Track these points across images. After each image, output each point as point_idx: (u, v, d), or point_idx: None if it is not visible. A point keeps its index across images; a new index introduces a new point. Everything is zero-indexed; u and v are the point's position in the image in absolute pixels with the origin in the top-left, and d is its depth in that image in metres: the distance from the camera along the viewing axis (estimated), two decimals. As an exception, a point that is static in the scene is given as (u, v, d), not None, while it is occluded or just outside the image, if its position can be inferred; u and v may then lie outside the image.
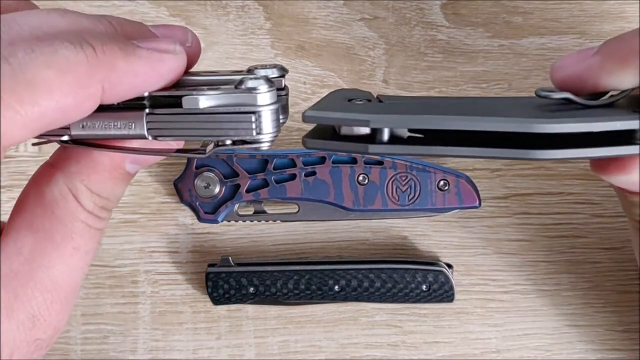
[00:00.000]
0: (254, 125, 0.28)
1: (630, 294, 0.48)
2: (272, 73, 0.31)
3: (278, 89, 0.30)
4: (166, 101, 0.29)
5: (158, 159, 0.33)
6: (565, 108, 0.31)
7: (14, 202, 0.31)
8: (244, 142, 0.29)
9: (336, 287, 0.47)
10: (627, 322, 0.48)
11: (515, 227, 0.49)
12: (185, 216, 0.49)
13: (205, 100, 0.29)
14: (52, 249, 0.30)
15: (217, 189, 0.47)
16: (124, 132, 0.29)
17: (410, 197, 0.46)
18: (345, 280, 0.47)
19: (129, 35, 0.29)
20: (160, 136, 0.29)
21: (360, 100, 0.32)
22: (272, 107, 0.29)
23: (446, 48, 0.49)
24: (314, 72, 0.49)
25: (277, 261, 0.49)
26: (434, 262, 0.48)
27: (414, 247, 0.49)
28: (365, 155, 0.46)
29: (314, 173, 0.47)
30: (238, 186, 0.47)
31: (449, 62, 0.49)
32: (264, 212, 0.48)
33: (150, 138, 0.29)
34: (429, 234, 0.49)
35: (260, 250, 0.50)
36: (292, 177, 0.47)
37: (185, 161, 0.47)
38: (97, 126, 0.29)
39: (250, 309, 0.49)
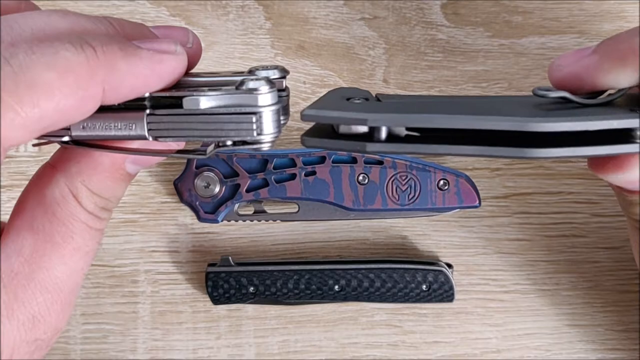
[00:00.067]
0: (254, 126, 0.28)
1: (630, 293, 0.48)
2: (273, 74, 0.31)
3: (279, 90, 0.30)
4: (167, 102, 0.29)
5: (158, 159, 0.33)
6: (562, 107, 0.31)
7: (14, 202, 0.31)
8: (245, 142, 0.29)
9: (336, 287, 0.47)
10: (627, 322, 0.48)
11: (515, 226, 0.49)
12: (185, 216, 0.49)
13: (206, 101, 0.29)
14: (53, 250, 0.30)
15: (217, 189, 0.47)
16: (125, 132, 0.29)
17: (410, 197, 0.46)
18: (345, 280, 0.47)
19: (130, 36, 0.29)
20: (161, 137, 0.29)
21: (359, 99, 0.32)
22: (272, 107, 0.29)
23: (446, 47, 0.49)
24: (314, 71, 0.49)
25: (277, 261, 0.49)
26: (434, 261, 0.48)
27: (414, 247, 0.49)
28: (365, 155, 0.46)
29: (314, 173, 0.47)
30: (238, 186, 0.47)
31: (449, 62, 0.49)
32: (264, 211, 0.48)
33: (150, 139, 0.29)
34: (429, 233, 0.49)
35: (260, 250, 0.50)
36: (292, 176, 0.47)
37: (185, 161, 0.47)
38: (97, 127, 0.29)
39: (250, 308, 0.49)
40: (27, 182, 0.31)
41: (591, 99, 0.31)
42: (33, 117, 0.25)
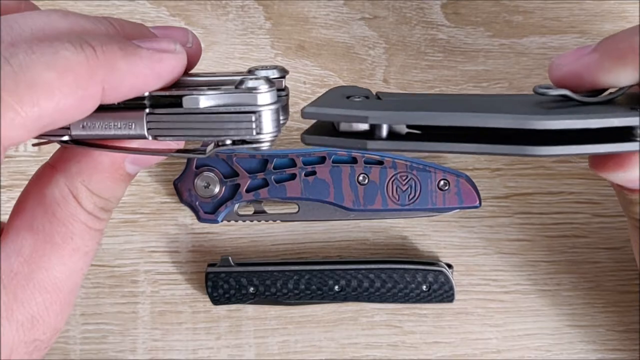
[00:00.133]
0: (254, 125, 0.28)
1: (631, 294, 0.48)
2: (273, 74, 0.31)
3: (278, 90, 0.30)
4: (166, 101, 0.29)
5: (158, 160, 0.33)
6: (563, 105, 0.31)
7: (14, 202, 0.31)
8: (244, 142, 0.29)
9: (336, 287, 0.47)
10: (628, 322, 0.48)
11: (516, 226, 0.49)
12: (185, 216, 0.49)
13: (206, 100, 0.29)
14: (52, 250, 0.30)
15: (217, 189, 0.47)
16: (124, 132, 0.29)
17: (410, 197, 0.46)
18: (345, 280, 0.47)
19: (130, 36, 0.29)
20: (161, 136, 0.29)
21: (359, 97, 0.32)
22: (272, 107, 0.29)
23: (446, 47, 0.49)
24: (314, 71, 0.49)
25: (277, 261, 0.49)
26: (434, 262, 0.48)
27: (414, 247, 0.49)
28: (365, 155, 0.46)
29: (314, 173, 0.46)
30: (238, 186, 0.47)
31: (449, 62, 0.49)
32: (264, 212, 0.48)
33: (150, 138, 0.29)
34: (429, 234, 0.49)
35: (260, 250, 0.49)
36: (292, 176, 0.47)
37: (185, 161, 0.47)
38: (97, 126, 0.29)
39: (250, 309, 0.49)
40: (26, 182, 0.31)
41: (592, 97, 0.31)
42: (33, 116, 0.25)
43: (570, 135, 0.29)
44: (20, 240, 0.29)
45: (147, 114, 0.29)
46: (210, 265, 0.48)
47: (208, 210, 0.47)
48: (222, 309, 0.49)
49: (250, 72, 0.31)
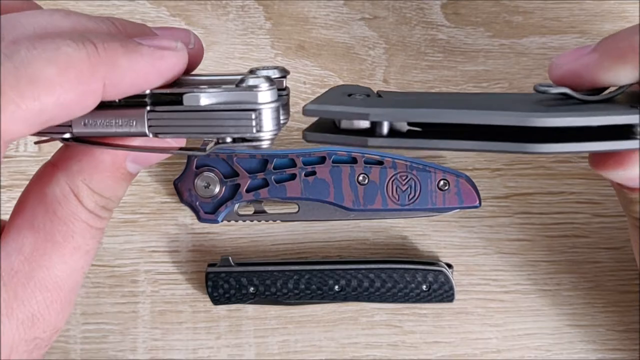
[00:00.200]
0: (254, 123, 0.28)
1: (631, 294, 0.48)
2: (274, 74, 0.31)
3: (279, 89, 0.30)
4: (167, 99, 0.29)
5: (159, 158, 0.33)
6: (563, 103, 0.31)
7: (14, 202, 0.31)
8: (244, 139, 0.29)
9: (336, 287, 0.47)
10: (628, 322, 0.48)
11: (516, 226, 0.49)
12: (185, 216, 0.49)
13: (206, 98, 0.29)
14: (53, 249, 0.30)
15: (217, 189, 0.47)
16: (125, 129, 0.29)
17: (410, 197, 0.46)
18: (345, 280, 0.47)
19: (132, 35, 0.29)
20: (161, 133, 0.29)
21: (360, 96, 0.32)
22: (272, 105, 0.29)
23: (446, 47, 0.49)
24: (314, 71, 0.49)
25: (277, 261, 0.49)
26: (434, 262, 0.48)
27: (414, 247, 0.49)
28: (365, 155, 0.46)
29: (314, 173, 0.46)
30: (238, 186, 0.47)
31: (449, 62, 0.49)
32: (264, 212, 0.48)
33: (151, 135, 0.29)
34: (429, 234, 0.49)
35: (260, 250, 0.49)
36: (292, 176, 0.47)
37: (185, 161, 0.47)
38: (98, 124, 0.29)
39: (250, 308, 0.49)
40: (27, 182, 0.31)
41: (592, 95, 0.31)
42: (34, 111, 0.25)
43: (570, 134, 0.29)
44: (21, 239, 0.29)
45: (148, 111, 0.29)
46: (210, 265, 0.48)
47: (208, 210, 0.47)
48: (222, 308, 0.49)
49: (252, 72, 0.31)
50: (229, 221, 0.48)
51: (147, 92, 0.29)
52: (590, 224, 0.48)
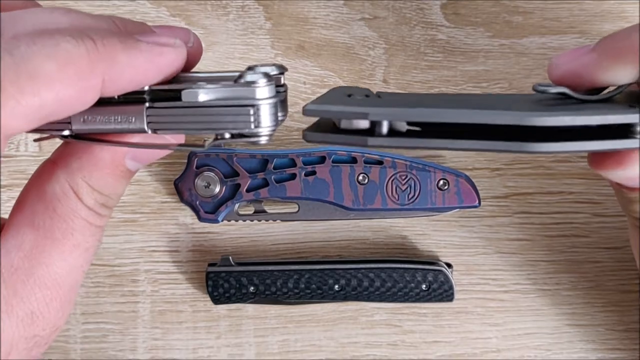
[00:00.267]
0: (252, 118, 0.29)
1: (631, 293, 0.48)
2: (272, 70, 0.31)
3: (277, 86, 0.30)
4: (166, 95, 0.29)
5: (158, 156, 0.33)
6: (562, 103, 0.31)
7: (14, 202, 0.31)
8: (243, 135, 0.29)
9: (336, 287, 0.47)
10: (627, 322, 0.48)
11: (516, 226, 0.49)
12: (186, 216, 0.49)
13: (205, 94, 0.29)
14: (53, 246, 0.30)
15: (217, 189, 0.47)
16: (124, 126, 0.29)
17: (410, 197, 0.46)
18: (345, 280, 0.47)
19: (131, 33, 0.29)
20: (160, 130, 0.30)
21: (360, 96, 0.33)
22: (270, 100, 0.29)
23: (446, 48, 0.49)
24: (314, 72, 0.49)
25: (277, 261, 0.49)
26: (433, 261, 0.48)
27: (413, 247, 0.49)
28: (365, 155, 0.46)
29: (314, 172, 0.47)
30: (238, 186, 0.47)
31: (449, 62, 0.49)
32: (264, 211, 0.48)
33: (150, 132, 0.30)
34: (429, 233, 0.49)
35: (260, 250, 0.50)
36: (292, 176, 0.47)
37: (186, 160, 0.47)
38: (97, 120, 0.29)
39: (250, 308, 0.49)
40: (27, 181, 0.31)
41: (591, 95, 0.31)
42: (33, 106, 0.25)
43: (569, 133, 0.29)
44: (21, 236, 0.29)
45: (147, 107, 0.29)
46: (210, 264, 0.48)
47: (208, 210, 0.47)
48: (223, 308, 0.49)
49: (250, 69, 0.31)
50: (229, 221, 0.48)
51: (146, 88, 0.29)
52: (590, 223, 0.48)
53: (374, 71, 0.49)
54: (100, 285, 0.49)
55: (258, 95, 0.29)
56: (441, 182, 0.46)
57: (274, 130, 0.29)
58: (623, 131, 0.29)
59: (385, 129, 0.30)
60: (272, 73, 0.31)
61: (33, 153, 0.49)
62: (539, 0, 0.49)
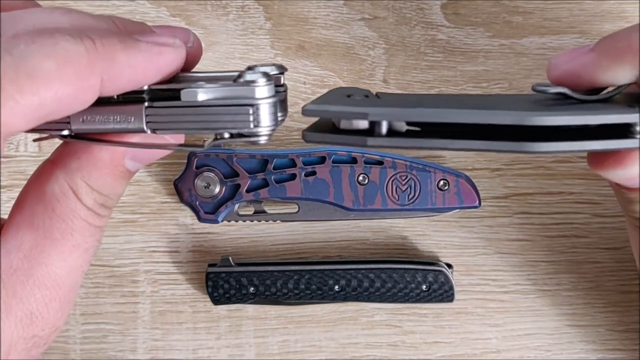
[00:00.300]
0: (251, 118, 0.29)
1: (631, 294, 0.48)
2: (271, 70, 0.31)
3: (277, 86, 0.30)
4: (165, 94, 0.29)
5: (158, 156, 0.33)
6: (561, 103, 0.31)
7: (13, 202, 0.31)
8: (242, 135, 0.29)
9: (336, 287, 0.47)
10: (628, 322, 0.48)
11: (516, 227, 0.49)
12: (185, 216, 0.49)
13: (204, 93, 0.29)
14: (52, 246, 0.30)
15: (217, 189, 0.47)
16: (123, 125, 0.29)
17: (410, 197, 0.46)
18: (345, 280, 0.47)
19: (131, 33, 0.29)
20: (159, 129, 0.30)
21: (359, 97, 0.33)
22: (269, 100, 0.29)
23: (446, 48, 0.49)
24: (314, 72, 0.49)
25: (277, 261, 0.49)
26: (434, 262, 0.48)
27: (414, 247, 0.49)
28: (365, 155, 0.46)
29: (314, 173, 0.46)
30: (238, 186, 0.47)
31: (449, 62, 0.49)
32: (264, 212, 0.48)
33: (149, 131, 0.30)
34: (429, 234, 0.49)
35: (260, 250, 0.49)
36: (292, 177, 0.47)
37: (185, 161, 0.47)
38: (96, 120, 0.29)
39: (250, 308, 0.49)
40: (26, 182, 0.31)
41: (590, 95, 0.31)
42: (32, 105, 0.25)
43: (569, 133, 0.29)
44: (20, 237, 0.29)
45: (146, 107, 0.29)
46: (210, 265, 0.48)
47: (208, 210, 0.47)
48: (223, 308, 0.49)
49: (249, 68, 0.31)
50: (229, 221, 0.48)
51: (145, 88, 0.29)
52: (590, 224, 0.48)
53: (374, 71, 0.49)
54: (100, 285, 0.49)
55: (257, 95, 0.29)
56: (441, 182, 0.46)
57: (273, 130, 0.29)
58: (622, 131, 0.29)
59: (384, 129, 0.30)
60: (271, 73, 0.31)
61: (33, 153, 0.49)
62: (539, 0, 0.49)
